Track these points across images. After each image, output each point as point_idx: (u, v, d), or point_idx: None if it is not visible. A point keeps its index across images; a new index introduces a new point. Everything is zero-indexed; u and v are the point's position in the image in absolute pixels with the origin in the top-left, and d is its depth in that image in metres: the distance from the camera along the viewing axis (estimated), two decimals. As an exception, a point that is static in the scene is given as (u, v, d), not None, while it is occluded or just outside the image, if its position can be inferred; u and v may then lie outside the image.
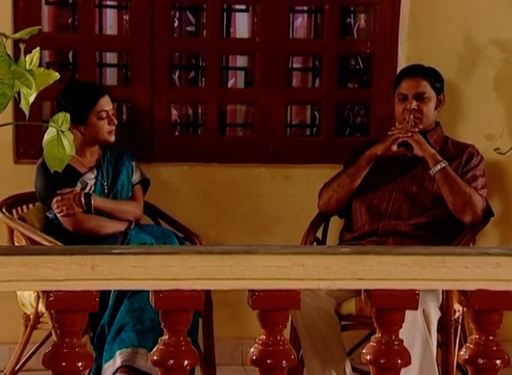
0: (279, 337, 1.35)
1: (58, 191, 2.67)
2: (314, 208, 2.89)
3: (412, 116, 2.77)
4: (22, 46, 1.43)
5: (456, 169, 2.77)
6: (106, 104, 2.74)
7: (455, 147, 2.85)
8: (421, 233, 2.73)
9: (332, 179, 2.85)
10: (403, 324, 1.39)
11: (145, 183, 2.91)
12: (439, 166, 2.71)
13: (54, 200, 2.67)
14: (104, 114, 2.73)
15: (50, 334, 2.63)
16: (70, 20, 3.12)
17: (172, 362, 1.33)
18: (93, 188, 2.77)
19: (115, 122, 2.78)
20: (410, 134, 2.73)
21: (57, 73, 1.47)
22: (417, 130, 2.75)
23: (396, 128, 2.78)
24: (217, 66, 3.15)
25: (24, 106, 1.43)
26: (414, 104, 2.77)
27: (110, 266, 1.27)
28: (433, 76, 2.83)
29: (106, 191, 2.79)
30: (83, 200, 2.67)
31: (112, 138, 2.78)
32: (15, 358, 2.72)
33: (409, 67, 2.92)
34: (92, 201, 2.69)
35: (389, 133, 2.78)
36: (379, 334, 1.38)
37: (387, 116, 3.08)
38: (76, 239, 2.66)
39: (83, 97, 2.73)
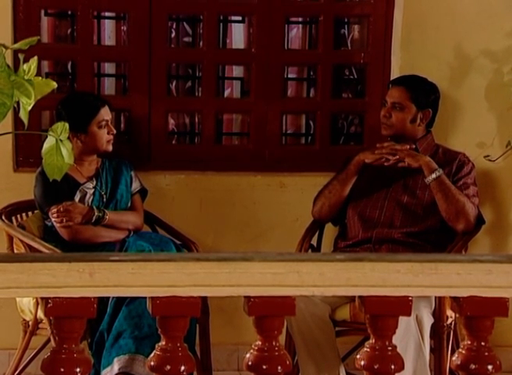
0: (274, 343, 1.37)
1: (66, 203, 2.69)
2: (309, 216, 2.91)
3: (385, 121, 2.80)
4: (21, 56, 1.45)
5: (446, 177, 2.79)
6: (106, 114, 2.79)
7: (445, 155, 2.86)
8: (414, 241, 2.74)
9: (325, 186, 2.87)
10: (397, 330, 1.41)
11: (143, 193, 2.93)
12: (434, 175, 2.71)
13: (54, 209, 2.69)
14: (104, 123, 2.76)
15: (49, 340, 2.64)
16: (69, 31, 3.13)
17: (169, 367, 1.34)
18: (92, 198, 2.79)
19: (114, 131, 2.81)
20: (397, 157, 2.73)
21: (54, 83, 1.50)
22: (407, 147, 2.74)
23: (386, 147, 2.77)
24: (213, 76, 3.17)
25: (23, 116, 1.46)
26: (386, 111, 2.80)
27: (108, 273, 1.28)
28: (419, 90, 2.81)
29: (105, 200, 2.81)
30: (94, 218, 2.69)
31: (110, 147, 2.81)
32: (14, 364, 2.72)
33: (402, 76, 2.95)
34: (106, 217, 2.71)
35: (378, 145, 2.80)
36: (373, 340, 1.39)
37: (380, 125, 3.11)
38: (75, 246, 2.68)
39: (85, 106, 2.77)
